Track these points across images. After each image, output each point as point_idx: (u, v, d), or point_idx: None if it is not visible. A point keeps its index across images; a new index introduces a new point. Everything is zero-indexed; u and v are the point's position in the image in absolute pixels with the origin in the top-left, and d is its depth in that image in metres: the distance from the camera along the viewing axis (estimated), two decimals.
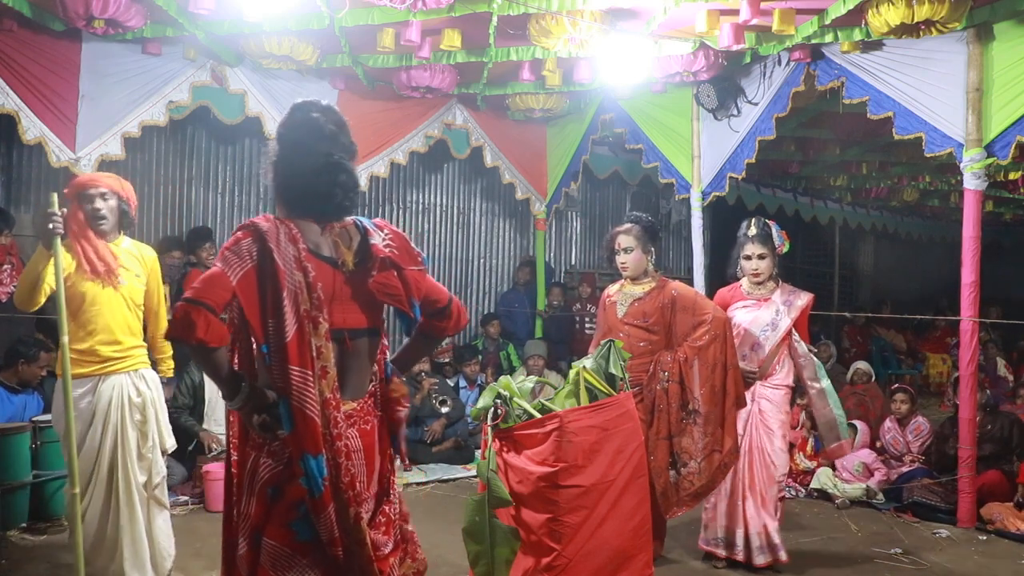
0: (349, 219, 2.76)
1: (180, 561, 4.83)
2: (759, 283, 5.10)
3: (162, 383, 4.63)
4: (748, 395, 4.93)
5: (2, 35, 6.34)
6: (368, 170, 8.51)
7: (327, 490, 2.46)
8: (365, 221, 2.79)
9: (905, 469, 6.81)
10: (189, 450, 6.69)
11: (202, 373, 6.86)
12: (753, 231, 5.13)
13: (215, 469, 6.03)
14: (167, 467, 6.30)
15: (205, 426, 6.82)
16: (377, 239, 2.72)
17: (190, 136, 8.90)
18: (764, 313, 5.02)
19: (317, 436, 2.44)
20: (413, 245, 2.81)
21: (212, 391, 6.91)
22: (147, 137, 7.74)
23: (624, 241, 4.88)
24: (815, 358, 5.14)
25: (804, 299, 5.05)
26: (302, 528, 2.51)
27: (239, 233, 2.53)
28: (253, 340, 2.59)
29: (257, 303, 2.47)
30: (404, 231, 9.77)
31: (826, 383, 5.14)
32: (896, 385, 7.74)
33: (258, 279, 2.47)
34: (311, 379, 2.45)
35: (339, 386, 2.54)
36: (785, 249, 5.13)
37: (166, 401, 6.45)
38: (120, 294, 4.22)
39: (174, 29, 6.53)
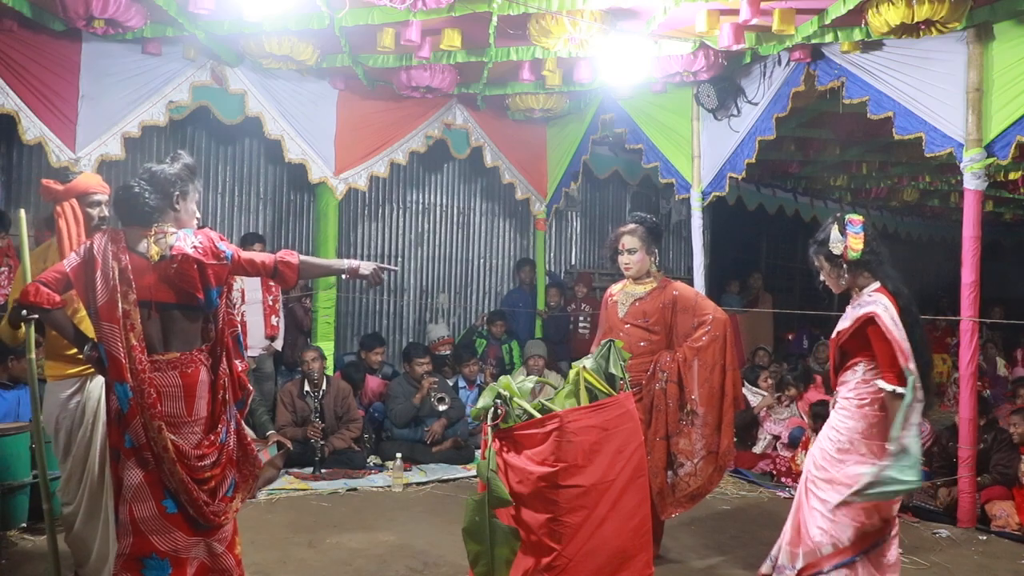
0: (172, 228, 3.62)
1: None
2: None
3: None
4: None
5: (2, 35, 6.35)
6: (368, 170, 8.52)
7: (132, 407, 3.40)
8: (188, 231, 3.65)
9: None
10: None
11: None
12: (818, 236, 4.11)
13: None
14: None
15: None
16: (184, 243, 3.58)
17: (190, 136, 8.89)
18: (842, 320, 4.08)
19: (123, 370, 3.40)
20: (219, 247, 3.62)
21: None
22: (147, 137, 7.74)
23: (629, 242, 4.88)
24: (901, 405, 3.69)
25: (851, 318, 3.95)
26: (127, 438, 3.44)
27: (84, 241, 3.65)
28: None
29: (83, 282, 3.51)
30: (404, 231, 9.80)
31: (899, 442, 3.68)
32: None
33: (84, 268, 3.52)
34: (118, 331, 3.42)
35: (158, 340, 3.53)
36: (850, 255, 3.92)
37: None
38: None
39: (174, 29, 6.54)
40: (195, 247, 3.58)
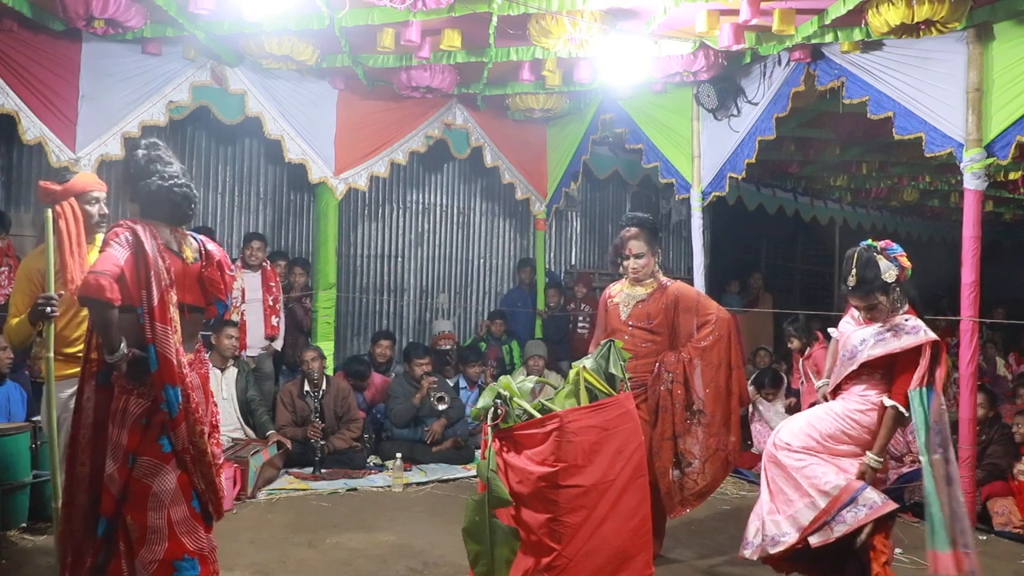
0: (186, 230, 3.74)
1: None
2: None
3: None
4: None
5: (2, 35, 6.36)
6: (368, 170, 8.52)
7: (181, 412, 3.40)
8: (197, 234, 3.79)
9: (905, 470, 6.81)
10: None
11: None
12: (850, 279, 4.06)
13: None
14: None
15: None
16: (212, 247, 3.74)
17: (190, 136, 8.90)
18: (856, 336, 4.14)
19: (174, 372, 3.38)
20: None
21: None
22: (147, 137, 7.67)
23: (636, 247, 4.86)
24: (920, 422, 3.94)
25: (901, 343, 3.96)
26: (166, 443, 3.42)
27: (117, 229, 3.43)
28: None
29: (134, 278, 3.39)
30: (404, 231, 9.78)
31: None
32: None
33: (135, 262, 3.40)
34: (170, 333, 3.41)
35: (183, 342, 3.51)
36: (907, 275, 4.04)
37: None
38: None
39: (174, 29, 6.54)
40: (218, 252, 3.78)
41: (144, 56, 7.11)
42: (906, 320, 4.00)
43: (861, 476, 3.98)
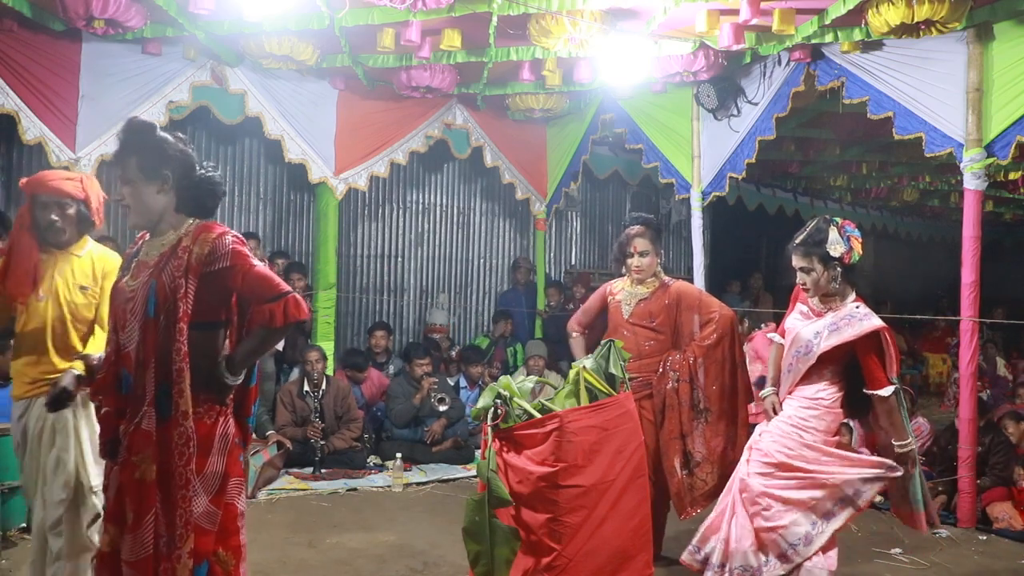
0: None
1: None
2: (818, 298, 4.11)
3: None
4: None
5: (2, 35, 6.36)
6: (368, 170, 8.52)
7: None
8: None
9: None
10: None
11: None
12: (799, 236, 4.11)
13: None
14: None
15: None
16: None
17: (190, 136, 8.85)
18: (807, 330, 4.07)
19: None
20: None
21: None
22: None
23: (641, 245, 4.86)
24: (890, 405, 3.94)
25: (854, 330, 3.92)
26: (242, 458, 3.21)
27: (237, 240, 3.05)
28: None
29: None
30: (404, 231, 9.78)
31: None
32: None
33: None
34: None
35: None
36: (853, 258, 3.97)
37: None
38: (56, 310, 3.80)
39: (174, 29, 6.54)
40: None
41: (144, 56, 7.11)
42: (857, 308, 3.98)
43: (905, 462, 3.94)
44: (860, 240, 4.02)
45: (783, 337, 4.26)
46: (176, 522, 2.86)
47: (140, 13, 6.11)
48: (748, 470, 4.10)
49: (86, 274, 3.91)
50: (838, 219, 4.03)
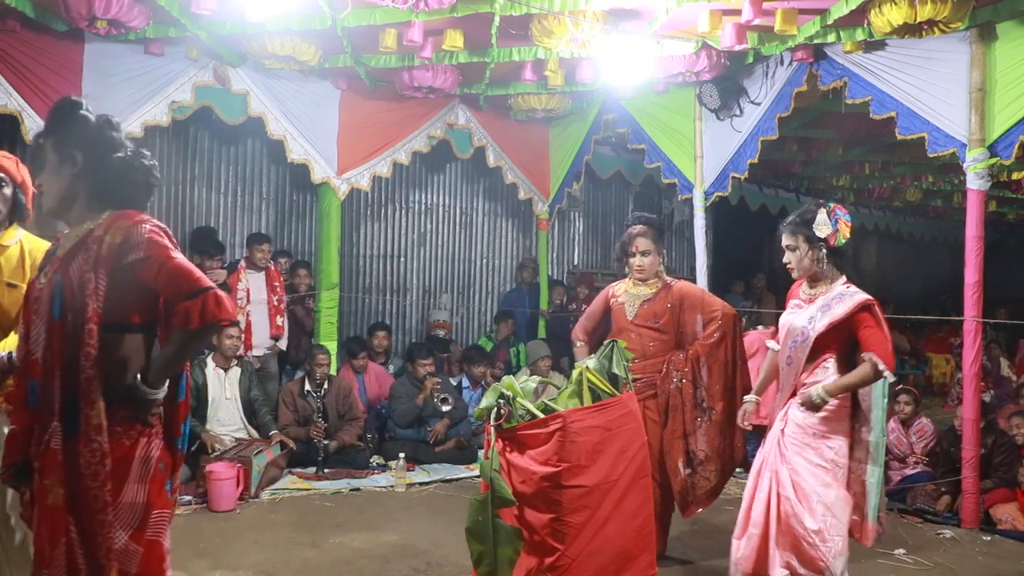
0: None
1: (183, 561, 4.83)
2: (805, 280, 4.12)
3: None
4: (781, 416, 4.08)
5: (5, 35, 6.36)
6: (371, 170, 8.52)
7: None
8: None
9: (908, 471, 6.80)
10: (192, 451, 6.71)
11: (205, 374, 6.87)
12: (789, 217, 4.16)
13: (219, 469, 6.03)
14: None
15: (208, 427, 6.84)
16: None
17: (192, 136, 8.91)
18: (800, 318, 4.04)
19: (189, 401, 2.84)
20: None
21: (215, 392, 6.93)
22: (149, 137, 7.73)
23: (643, 244, 4.87)
24: (879, 394, 3.96)
25: (845, 306, 3.89)
26: (169, 487, 2.78)
27: (155, 230, 2.66)
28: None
29: None
30: (407, 231, 9.72)
31: (873, 435, 3.95)
32: (899, 386, 7.70)
33: None
34: None
35: None
36: (837, 241, 3.97)
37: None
38: None
39: (177, 29, 6.54)
40: None
41: (147, 56, 7.11)
42: (847, 287, 3.98)
43: (806, 400, 3.89)
44: (849, 224, 4.02)
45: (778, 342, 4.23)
46: (97, 552, 2.51)
47: (143, 13, 6.12)
48: (798, 512, 3.87)
49: (14, 268, 3.39)
50: (831, 204, 4.04)
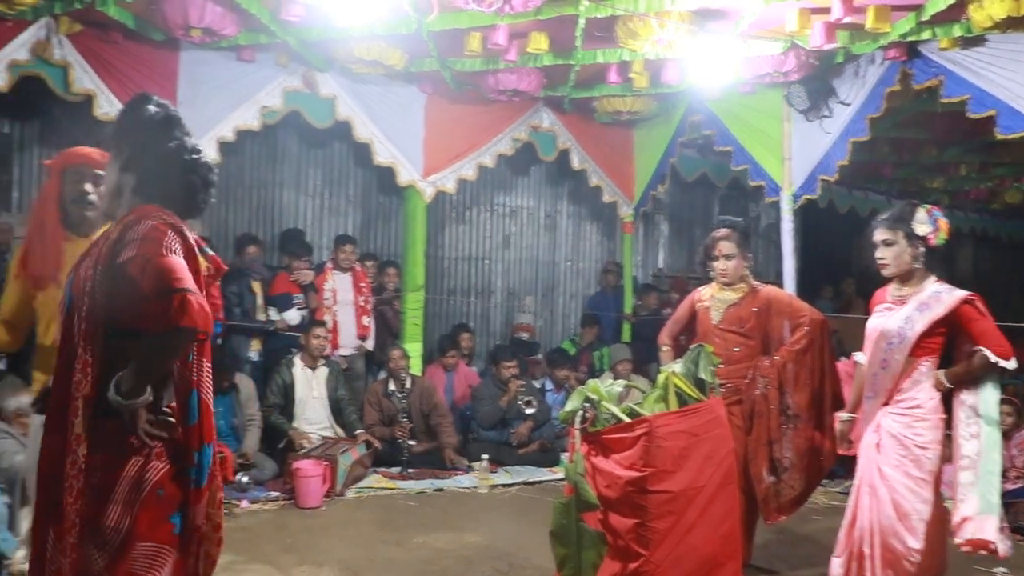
0: None
1: (271, 556, 4.94)
2: (896, 278, 3.98)
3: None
4: (872, 428, 3.98)
5: (108, 46, 6.60)
6: (456, 173, 8.57)
7: (209, 479, 2.55)
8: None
9: (1009, 486, 6.55)
10: (279, 447, 6.87)
11: (292, 373, 7.01)
12: (885, 214, 4.04)
13: (305, 466, 6.16)
14: (259, 463, 6.48)
15: (295, 424, 6.97)
16: (208, 251, 2.69)
17: (281, 140, 9.10)
18: (893, 320, 3.92)
19: (212, 426, 2.55)
20: None
21: (302, 391, 7.06)
22: (241, 141, 7.91)
23: (726, 247, 4.82)
24: (987, 395, 3.87)
25: (945, 303, 3.79)
26: (178, 521, 2.49)
27: (158, 224, 2.44)
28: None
29: None
30: (491, 233, 9.75)
31: (984, 439, 3.83)
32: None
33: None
34: (208, 371, 2.57)
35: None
36: (937, 240, 3.88)
37: (259, 399, 6.63)
38: None
39: (267, 36, 6.69)
40: None
41: (238, 63, 7.28)
42: (941, 285, 3.87)
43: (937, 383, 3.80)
44: (947, 225, 3.93)
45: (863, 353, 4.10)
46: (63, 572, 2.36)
47: (235, 22, 6.27)
48: (898, 531, 3.77)
49: None
50: (927, 205, 3.94)
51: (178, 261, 2.38)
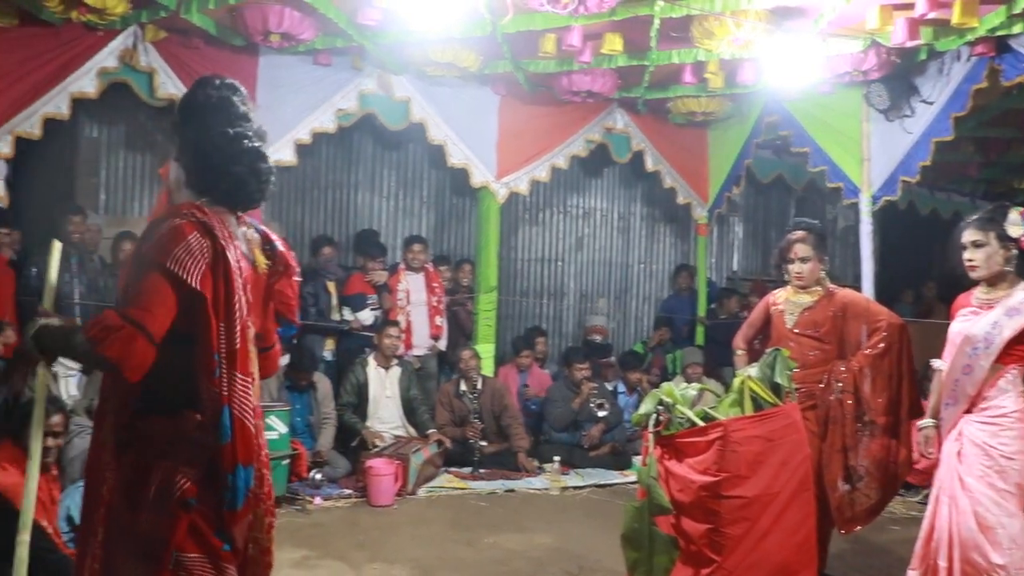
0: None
1: (343, 552, 5.02)
2: (983, 281, 3.85)
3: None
4: (954, 436, 3.88)
5: (190, 52, 6.77)
6: (529, 175, 8.57)
7: (248, 503, 2.34)
8: (255, 223, 2.55)
9: None
10: (352, 446, 6.96)
11: (366, 373, 7.10)
12: (975, 214, 3.91)
13: (377, 465, 6.23)
14: (332, 460, 6.58)
15: (368, 423, 7.06)
16: (278, 242, 2.54)
17: (357, 142, 9.22)
18: (979, 324, 3.80)
19: (251, 446, 2.32)
20: None
21: (376, 390, 7.15)
22: (316, 143, 8.03)
23: (802, 250, 4.73)
24: None
25: None
26: (224, 538, 2.34)
27: (183, 224, 2.24)
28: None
29: (212, 307, 2.25)
30: (564, 235, 9.72)
31: None
32: None
33: (212, 280, 2.25)
34: (251, 386, 2.33)
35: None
36: (1020, 232, 3.74)
37: (333, 397, 6.73)
38: None
39: (343, 40, 6.78)
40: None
41: (315, 67, 7.39)
42: None
43: None
44: None
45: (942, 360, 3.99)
46: None
47: (312, 26, 6.38)
48: (980, 545, 3.64)
49: None
50: (1020, 207, 3.78)
51: (162, 285, 2.19)
